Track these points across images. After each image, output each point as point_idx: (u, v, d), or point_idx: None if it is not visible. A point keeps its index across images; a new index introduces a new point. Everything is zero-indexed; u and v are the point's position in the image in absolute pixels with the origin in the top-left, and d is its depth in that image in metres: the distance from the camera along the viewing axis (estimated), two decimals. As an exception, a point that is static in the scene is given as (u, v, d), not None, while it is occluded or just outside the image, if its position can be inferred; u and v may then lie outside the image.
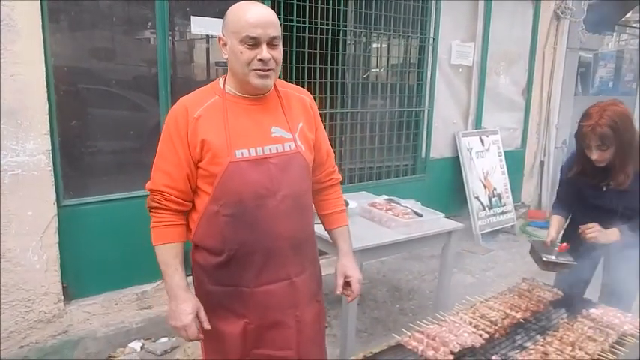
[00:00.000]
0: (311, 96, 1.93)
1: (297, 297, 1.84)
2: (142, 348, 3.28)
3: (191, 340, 1.74)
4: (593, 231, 2.42)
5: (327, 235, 2.06)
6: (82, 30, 3.30)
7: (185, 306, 1.69)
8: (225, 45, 1.67)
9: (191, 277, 1.86)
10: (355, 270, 1.97)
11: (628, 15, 8.64)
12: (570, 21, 6.42)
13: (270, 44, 1.62)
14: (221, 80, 1.76)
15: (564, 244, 2.56)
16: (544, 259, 2.49)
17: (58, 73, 3.06)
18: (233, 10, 1.65)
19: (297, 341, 1.85)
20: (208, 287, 1.80)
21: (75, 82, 3.25)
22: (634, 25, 9.05)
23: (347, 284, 1.96)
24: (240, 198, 1.66)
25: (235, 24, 1.61)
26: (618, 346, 1.92)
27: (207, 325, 1.72)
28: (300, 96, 1.88)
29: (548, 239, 2.64)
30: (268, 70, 1.64)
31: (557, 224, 2.72)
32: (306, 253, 1.87)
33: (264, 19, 1.60)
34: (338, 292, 1.95)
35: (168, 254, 1.70)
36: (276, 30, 1.62)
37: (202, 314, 1.73)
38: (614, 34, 9.57)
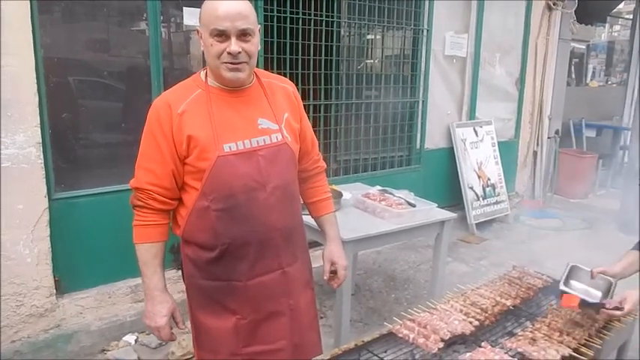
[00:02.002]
0: (294, 85, 1.92)
1: (290, 286, 1.84)
2: (136, 341, 3.27)
3: (164, 341, 1.77)
4: (622, 313, 1.86)
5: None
6: (73, 21, 3.27)
7: (160, 307, 1.71)
8: (202, 37, 1.65)
9: (180, 271, 1.87)
10: (341, 257, 1.99)
11: (620, 6, 8.66)
12: (562, 12, 6.42)
13: (241, 37, 1.59)
14: (202, 73, 1.73)
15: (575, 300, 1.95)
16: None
17: (49, 64, 3.04)
18: (206, 2, 1.63)
19: (291, 329, 1.86)
20: (199, 282, 1.79)
21: (65, 74, 3.22)
22: (626, 16, 9.06)
23: (334, 272, 1.98)
24: (231, 192, 1.65)
25: (206, 17, 1.60)
26: (605, 331, 1.95)
27: (181, 326, 1.75)
28: (283, 86, 1.86)
29: (597, 270, 2.08)
30: (239, 63, 1.61)
31: (628, 259, 2.08)
32: (296, 243, 1.88)
33: (232, 11, 1.56)
34: (325, 279, 1.97)
35: (148, 254, 1.69)
36: (246, 22, 1.58)
37: (177, 315, 1.76)
38: (607, 25, 9.58)
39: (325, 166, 2.07)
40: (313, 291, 2.00)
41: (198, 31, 1.67)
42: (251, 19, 1.61)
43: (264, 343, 1.82)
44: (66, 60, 3.23)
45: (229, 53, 1.58)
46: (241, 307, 1.77)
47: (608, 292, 2.00)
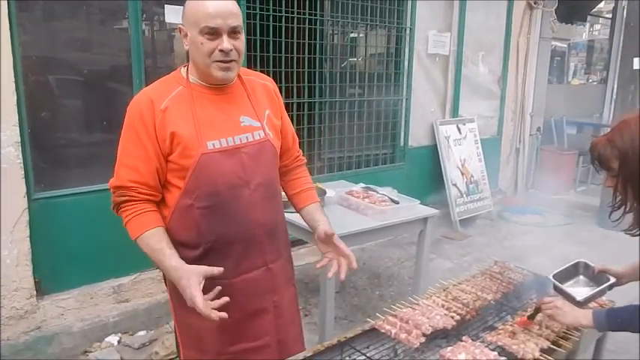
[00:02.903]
0: (274, 82, 1.91)
1: (275, 282, 1.84)
2: (119, 342, 3.24)
3: (205, 316, 1.52)
4: (549, 307, 1.84)
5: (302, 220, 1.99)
6: (53, 19, 3.23)
7: (186, 284, 1.52)
8: (186, 36, 1.63)
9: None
10: (338, 239, 1.82)
11: (600, 5, 8.78)
12: (543, 11, 6.50)
13: (231, 34, 1.58)
14: (183, 70, 1.71)
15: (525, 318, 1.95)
16: (578, 299, 1.92)
17: (27, 63, 3.00)
18: (191, 1, 1.61)
19: (275, 325, 1.86)
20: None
21: (45, 72, 3.18)
22: (606, 15, 9.18)
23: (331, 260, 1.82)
24: (215, 189, 1.64)
25: (194, 14, 1.57)
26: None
27: (216, 271, 1.56)
28: (263, 83, 1.85)
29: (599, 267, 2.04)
30: (230, 61, 1.60)
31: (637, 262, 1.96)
32: (280, 239, 1.88)
33: (223, 8, 1.55)
34: (317, 266, 1.84)
35: (153, 241, 1.60)
36: (236, 19, 1.58)
37: (209, 270, 1.55)
38: (587, 24, 9.71)
39: (305, 160, 2.07)
40: (295, 287, 2.01)
41: (180, 30, 1.64)
42: (240, 17, 1.61)
43: (250, 340, 1.81)
44: (45, 58, 3.19)
45: (221, 51, 1.56)
46: (226, 306, 1.70)
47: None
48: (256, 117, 1.74)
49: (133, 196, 1.62)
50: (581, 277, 2.07)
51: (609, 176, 1.66)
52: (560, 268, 2.06)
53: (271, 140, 1.76)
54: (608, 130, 1.72)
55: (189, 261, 1.68)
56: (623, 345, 2.99)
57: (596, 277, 2.02)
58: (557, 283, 1.99)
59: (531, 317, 1.91)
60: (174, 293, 1.77)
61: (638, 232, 1.69)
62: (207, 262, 1.68)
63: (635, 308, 1.66)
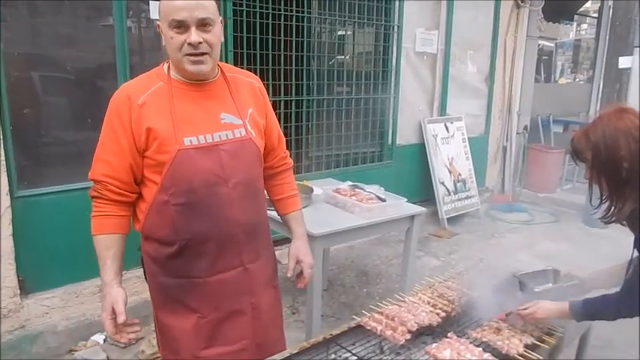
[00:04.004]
0: (260, 80, 1.88)
1: (252, 284, 1.81)
2: (105, 341, 3.21)
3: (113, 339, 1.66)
4: (528, 316, 1.89)
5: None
6: (36, 15, 3.19)
7: (104, 302, 1.64)
8: (162, 31, 1.61)
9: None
10: (307, 255, 1.95)
11: (587, 5, 8.85)
12: (530, 10, 6.53)
13: (201, 27, 1.55)
14: (165, 66, 1.69)
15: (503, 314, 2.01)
16: (536, 290, 2.05)
17: (9, 59, 2.97)
18: None
19: (253, 328, 1.82)
20: (160, 280, 1.74)
21: (27, 69, 3.14)
22: (593, 14, 9.26)
23: (300, 271, 1.95)
24: (190, 186, 1.62)
25: (164, 8, 1.56)
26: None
27: (119, 319, 1.59)
28: (248, 81, 1.82)
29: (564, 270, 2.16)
30: (201, 54, 1.57)
31: (607, 269, 2.03)
32: (260, 240, 1.84)
33: (190, 1, 1.52)
34: (288, 275, 1.93)
35: (101, 245, 1.65)
36: (205, 12, 1.55)
37: (117, 308, 1.60)
38: (575, 23, 9.79)
39: (292, 163, 2.05)
40: (277, 289, 1.97)
41: (158, 26, 1.62)
42: (210, 9, 1.57)
43: (226, 344, 1.78)
44: (28, 55, 3.15)
45: (190, 44, 1.54)
46: (202, 305, 1.73)
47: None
48: (238, 115, 1.71)
49: (103, 195, 1.63)
50: (551, 284, 2.12)
51: (586, 168, 1.72)
52: (528, 271, 2.14)
53: (253, 139, 1.73)
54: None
55: (166, 258, 1.70)
56: (607, 341, 3.02)
57: (561, 280, 2.11)
58: (521, 279, 2.08)
59: (508, 315, 1.97)
60: (153, 292, 1.79)
61: (610, 220, 1.74)
62: (182, 259, 1.69)
63: (609, 298, 1.75)
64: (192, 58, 1.57)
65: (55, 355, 3.09)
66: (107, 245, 1.65)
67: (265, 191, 1.94)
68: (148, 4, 3.50)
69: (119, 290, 1.63)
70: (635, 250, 1.79)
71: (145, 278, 1.81)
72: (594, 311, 1.79)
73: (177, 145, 1.59)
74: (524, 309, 1.89)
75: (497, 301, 1.98)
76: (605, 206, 1.72)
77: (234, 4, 3.91)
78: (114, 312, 1.60)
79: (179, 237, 1.66)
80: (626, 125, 1.62)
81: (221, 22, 1.64)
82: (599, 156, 1.65)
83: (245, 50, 4.04)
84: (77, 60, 3.39)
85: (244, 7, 3.97)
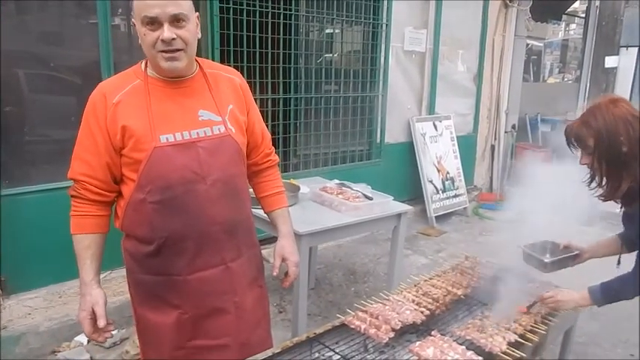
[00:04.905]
0: (241, 76, 1.85)
1: (235, 282, 1.79)
2: (89, 341, 3.17)
3: (91, 339, 1.70)
4: (550, 301, 2.00)
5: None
6: (18, 12, 3.15)
7: (82, 301, 1.65)
8: (136, 28, 1.59)
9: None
10: (293, 253, 1.94)
11: (576, 5, 8.89)
12: (518, 10, 6.56)
13: (174, 23, 1.53)
14: (142, 63, 1.68)
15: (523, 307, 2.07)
16: (546, 260, 2.16)
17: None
18: None
19: (237, 327, 1.80)
20: (139, 277, 1.74)
21: (10, 66, 3.10)
22: (581, 14, 9.31)
23: (286, 271, 1.93)
24: (167, 184, 1.60)
25: (137, 5, 1.54)
26: (550, 317, 1.99)
27: (100, 323, 1.63)
28: (229, 77, 1.80)
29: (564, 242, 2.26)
30: (175, 51, 1.55)
31: (604, 241, 2.21)
32: (241, 238, 1.81)
33: None
34: (274, 274, 1.90)
35: (80, 245, 1.65)
36: (178, 8, 1.52)
37: (97, 310, 1.64)
38: (563, 23, 9.83)
39: (277, 159, 2.02)
40: (262, 288, 1.95)
41: (133, 24, 1.60)
42: (184, 5, 1.54)
43: (208, 338, 1.77)
44: (11, 52, 3.11)
45: (163, 40, 1.52)
46: (183, 302, 1.72)
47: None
48: (217, 111, 1.69)
49: (82, 194, 1.64)
50: (549, 253, 2.23)
51: (585, 154, 1.86)
52: (530, 243, 2.24)
53: (233, 135, 1.71)
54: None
55: (144, 256, 1.69)
56: (591, 337, 3.03)
57: (562, 251, 2.23)
58: (526, 249, 2.19)
59: (529, 307, 2.03)
60: (133, 289, 1.78)
61: (606, 198, 1.89)
62: (161, 258, 1.68)
63: (625, 277, 1.87)
64: (166, 55, 1.55)
65: (38, 355, 3.04)
66: (86, 245, 1.65)
67: (251, 189, 1.92)
68: (133, 2, 3.45)
69: (99, 292, 1.66)
70: (624, 226, 1.99)
71: (127, 279, 1.80)
72: (614, 293, 1.88)
73: (154, 143, 1.57)
74: (547, 294, 1.99)
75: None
76: (602, 187, 1.86)
77: (221, 1, 3.88)
78: (93, 313, 1.62)
79: (156, 235, 1.65)
80: (622, 113, 1.78)
81: (197, 17, 1.62)
82: (602, 142, 1.78)
83: (232, 48, 4.01)
84: (61, 58, 3.37)
85: (231, 5, 3.94)
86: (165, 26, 1.52)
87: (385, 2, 5.14)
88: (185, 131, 1.62)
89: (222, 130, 1.69)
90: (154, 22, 1.52)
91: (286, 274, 1.93)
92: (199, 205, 1.65)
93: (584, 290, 1.93)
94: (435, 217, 5.63)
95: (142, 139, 1.57)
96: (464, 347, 1.72)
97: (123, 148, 1.59)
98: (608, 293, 1.88)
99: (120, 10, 3.66)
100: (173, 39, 1.53)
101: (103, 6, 3.32)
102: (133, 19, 1.60)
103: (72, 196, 1.66)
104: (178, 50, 1.56)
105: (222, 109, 1.71)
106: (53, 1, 3.27)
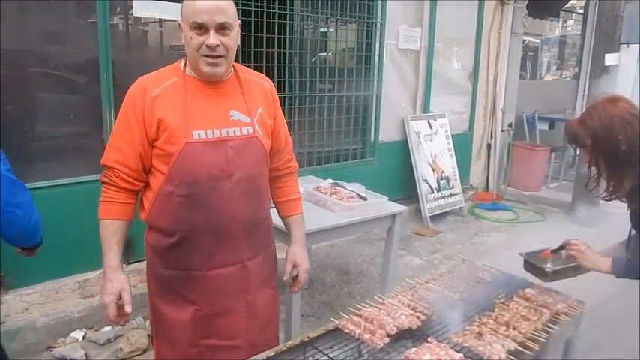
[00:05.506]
0: (271, 82, 1.95)
1: (249, 281, 1.86)
2: (84, 337, 3.19)
3: (110, 321, 1.76)
4: (574, 248, 2.03)
5: (281, 222, 2.11)
6: (19, 12, 3.15)
7: (109, 285, 1.72)
8: (182, 30, 1.70)
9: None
10: (304, 259, 2.02)
11: (573, 1, 8.87)
12: (514, 7, 6.53)
13: (219, 30, 1.63)
14: (182, 63, 1.77)
15: (547, 250, 2.19)
16: (547, 269, 2.15)
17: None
18: None
19: (247, 327, 1.87)
20: (159, 271, 1.82)
21: (9, 65, 3.09)
22: (579, 11, 9.29)
23: (295, 275, 2.02)
24: (194, 179, 1.68)
25: (186, 10, 1.65)
26: (551, 325, 1.95)
27: (127, 309, 1.73)
28: (260, 82, 1.89)
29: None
30: (217, 57, 1.65)
31: (608, 248, 2.14)
32: (259, 237, 1.89)
33: (211, 5, 1.61)
34: (285, 279, 2.01)
35: (108, 231, 1.73)
36: (225, 16, 1.63)
37: (125, 296, 1.73)
38: (560, 20, 9.81)
39: (297, 166, 2.11)
40: (274, 289, 2.01)
41: (179, 25, 1.71)
42: (230, 14, 1.65)
43: (220, 337, 1.84)
44: (9, 51, 3.10)
45: (207, 46, 1.62)
46: (199, 298, 1.80)
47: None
48: (247, 113, 1.78)
49: (113, 181, 1.72)
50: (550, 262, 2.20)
51: (584, 153, 1.89)
52: (531, 250, 2.25)
53: (260, 138, 1.79)
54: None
55: (165, 248, 1.78)
56: (594, 345, 3.01)
57: (564, 261, 2.16)
58: (527, 257, 2.20)
59: (554, 252, 2.11)
60: (151, 283, 1.87)
61: (609, 197, 1.90)
62: (180, 251, 1.76)
63: None
64: (208, 59, 1.65)
65: (34, 351, 3.06)
66: (113, 231, 1.73)
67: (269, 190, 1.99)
68: (132, 1, 3.48)
69: (125, 277, 1.76)
70: (632, 227, 1.97)
71: (147, 271, 1.89)
72: (636, 271, 1.88)
73: (186, 138, 1.67)
74: (575, 244, 2.03)
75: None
76: (604, 187, 1.88)
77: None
78: (119, 297, 1.72)
79: (179, 228, 1.74)
80: (620, 111, 1.79)
81: (238, 25, 1.73)
82: (598, 141, 1.81)
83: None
84: (60, 56, 3.38)
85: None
86: (211, 33, 1.62)
87: (380, 1, 5.11)
88: (216, 129, 1.71)
89: (250, 131, 1.77)
90: (201, 28, 1.62)
91: (295, 278, 2.03)
92: (222, 202, 1.73)
93: (607, 258, 1.95)
94: (430, 216, 5.60)
95: (175, 133, 1.67)
96: (461, 355, 1.68)
97: (156, 140, 1.69)
98: (631, 270, 1.89)
99: (119, 10, 3.67)
100: (217, 45, 1.63)
101: (102, 5, 3.32)
102: (179, 20, 1.70)
103: (103, 182, 1.75)
104: (220, 57, 1.66)
105: (252, 111, 1.80)
106: (53, 1, 3.26)
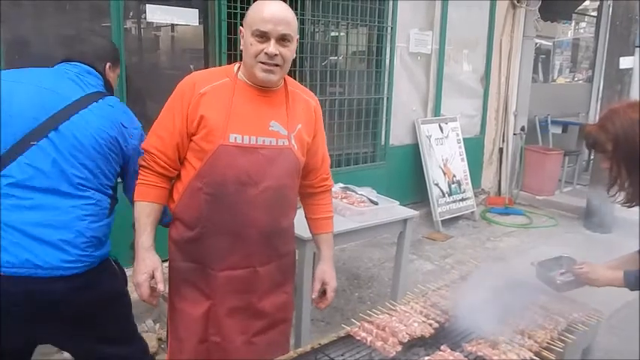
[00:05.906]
0: (317, 101, 1.99)
1: (259, 285, 1.90)
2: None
3: (144, 300, 1.81)
4: (580, 272, 2.01)
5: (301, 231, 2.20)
6: (35, 16, 3.20)
7: (143, 265, 1.78)
8: (243, 36, 1.76)
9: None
10: (333, 278, 2.06)
11: (586, 3, 8.78)
12: (526, 10, 6.47)
13: (280, 41, 1.69)
14: (236, 66, 1.84)
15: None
16: (558, 281, 2.13)
17: (9, 59, 2.97)
18: (254, 4, 1.76)
19: (247, 327, 1.90)
20: (179, 264, 1.88)
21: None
22: (592, 13, 9.20)
23: (323, 292, 2.05)
24: (222, 180, 1.74)
25: (251, 17, 1.71)
26: (567, 334, 1.90)
27: (160, 287, 1.79)
28: (306, 99, 1.94)
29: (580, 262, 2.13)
30: (274, 65, 1.71)
31: (621, 259, 2.07)
32: (276, 245, 1.91)
33: (277, 15, 1.68)
34: (312, 297, 2.06)
35: (143, 212, 1.80)
36: (287, 28, 1.70)
37: (158, 275, 1.79)
38: (573, 22, 9.71)
39: (332, 184, 2.15)
40: (288, 295, 2.03)
41: (240, 31, 1.79)
42: (292, 27, 1.73)
43: (222, 336, 1.88)
44: (24, 55, 3.16)
45: (266, 53, 1.68)
46: (213, 294, 1.85)
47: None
48: (286, 126, 1.82)
49: (151, 165, 1.80)
50: (564, 269, 2.19)
51: (604, 158, 1.86)
52: (545, 259, 2.24)
53: (294, 150, 1.83)
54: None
55: (185, 241, 1.85)
56: (611, 354, 2.94)
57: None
58: (539, 268, 2.18)
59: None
60: (173, 277, 1.92)
61: (633, 204, 1.87)
62: (198, 244, 1.83)
63: None
64: (264, 66, 1.71)
65: (46, 353, 2.98)
66: (148, 213, 1.80)
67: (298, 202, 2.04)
68: (146, 6, 3.51)
69: (158, 258, 1.82)
70: None
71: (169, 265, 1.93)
72: None
73: (222, 140, 1.72)
74: (579, 268, 2.00)
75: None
76: (625, 192, 1.85)
77: (229, 7, 3.89)
78: (152, 277, 1.78)
79: (200, 223, 1.80)
80: None
81: (297, 40, 1.78)
82: (620, 146, 1.78)
83: (239, 52, 3.96)
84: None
85: (238, 10, 3.91)
86: (272, 42, 1.69)
87: (390, 5, 5.09)
88: (253, 135, 1.76)
89: (286, 143, 1.81)
90: (263, 36, 1.69)
91: (323, 293, 2.05)
92: (244, 207, 1.78)
93: (618, 271, 1.91)
94: (441, 221, 5.55)
95: (213, 132, 1.73)
96: (475, 364, 1.65)
97: (194, 135, 1.76)
98: None
99: (132, 14, 3.69)
100: (276, 55, 1.69)
101: (116, 9, 3.35)
102: (241, 27, 1.79)
103: (141, 166, 1.83)
104: (277, 65, 1.72)
105: (292, 126, 1.83)
106: (68, 4, 3.31)
